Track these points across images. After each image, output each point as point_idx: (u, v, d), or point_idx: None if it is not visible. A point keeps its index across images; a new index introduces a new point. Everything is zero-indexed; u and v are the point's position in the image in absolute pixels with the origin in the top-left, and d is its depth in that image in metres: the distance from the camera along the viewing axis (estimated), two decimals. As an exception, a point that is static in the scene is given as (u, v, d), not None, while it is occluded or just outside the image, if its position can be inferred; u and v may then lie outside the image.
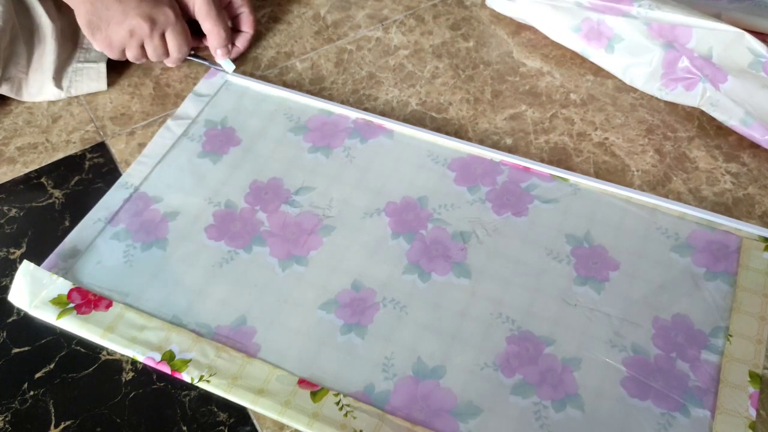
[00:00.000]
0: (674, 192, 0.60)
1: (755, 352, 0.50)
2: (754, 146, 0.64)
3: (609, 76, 0.70)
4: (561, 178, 0.60)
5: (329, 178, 0.61)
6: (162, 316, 0.53)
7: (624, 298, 0.53)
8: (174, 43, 0.68)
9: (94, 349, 0.52)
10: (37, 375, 0.51)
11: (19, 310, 0.54)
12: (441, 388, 0.49)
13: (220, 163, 0.63)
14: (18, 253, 0.58)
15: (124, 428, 0.48)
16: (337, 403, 0.48)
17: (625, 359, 0.50)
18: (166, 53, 0.69)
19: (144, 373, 0.51)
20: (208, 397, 0.49)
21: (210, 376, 0.49)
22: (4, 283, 0.56)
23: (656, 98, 0.68)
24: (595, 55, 0.69)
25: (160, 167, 0.63)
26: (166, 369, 0.50)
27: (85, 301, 0.53)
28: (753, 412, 0.47)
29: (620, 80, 0.69)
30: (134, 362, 0.52)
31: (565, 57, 0.72)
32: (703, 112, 0.65)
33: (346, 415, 0.48)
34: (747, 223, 0.56)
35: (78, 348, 0.52)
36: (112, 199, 0.60)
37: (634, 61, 0.66)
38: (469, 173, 0.61)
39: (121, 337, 0.51)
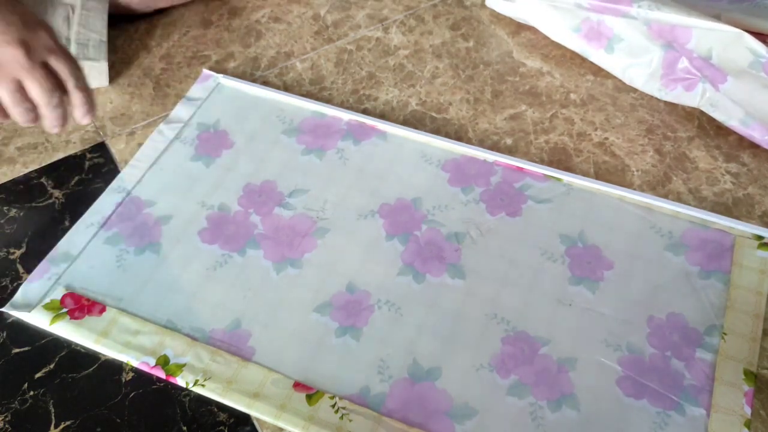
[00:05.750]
0: (674, 192, 0.60)
1: (750, 350, 0.50)
2: (754, 146, 0.64)
3: (609, 76, 0.70)
4: (554, 177, 0.60)
5: (323, 180, 0.61)
6: (156, 320, 0.53)
7: (619, 298, 0.53)
8: (65, 68, 0.53)
9: (93, 350, 0.52)
10: (37, 375, 0.51)
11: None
12: (437, 390, 0.49)
13: (213, 166, 0.63)
14: (18, 253, 0.58)
15: (124, 428, 0.48)
16: (333, 406, 0.48)
17: (621, 358, 0.50)
18: (57, 85, 0.53)
19: (144, 373, 0.50)
20: (207, 397, 0.49)
21: (205, 380, 0.49)
22: (3, 283, 0.56)
23: (656, 98, 0.68)
24: (595, 55, 0.69)
25: (152, 171, 0.62)
26: (160, 374, 0.50)
27: (78, 306, 0.53)
28: (748, 410, 0.47)
29: (620, 80, 0.69)
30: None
31: (565, 57, 0.72)
32: (703, 112, 0.65)
33: (342, 417, 0.47)
34: (740, 221, 0.56)
35: (78, 348, 0.52)
36: (105, 203, 0.60)
37: (634, 61, 0.66)
38: (462, 174, 0.61)
39: (114, 342, 0.51)
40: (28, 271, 0.56)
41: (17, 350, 0.52)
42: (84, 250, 0.57)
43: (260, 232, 0.58)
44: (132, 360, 0.50)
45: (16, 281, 0.56)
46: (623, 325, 0.51)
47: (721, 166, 0.63)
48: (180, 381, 0.49)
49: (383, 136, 0.64)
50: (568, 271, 0.55)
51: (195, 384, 0.49)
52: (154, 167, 0.63)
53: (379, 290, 0.54)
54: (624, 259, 0.55)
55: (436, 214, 0.58)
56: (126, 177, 0.62)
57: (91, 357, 0.52)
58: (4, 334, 0.53)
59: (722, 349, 0.50)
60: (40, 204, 0.62)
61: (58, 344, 0.52)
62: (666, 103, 0.67)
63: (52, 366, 0.52)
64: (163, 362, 0.50)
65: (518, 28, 0.74)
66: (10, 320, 0.54)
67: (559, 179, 0.60)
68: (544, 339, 0.51)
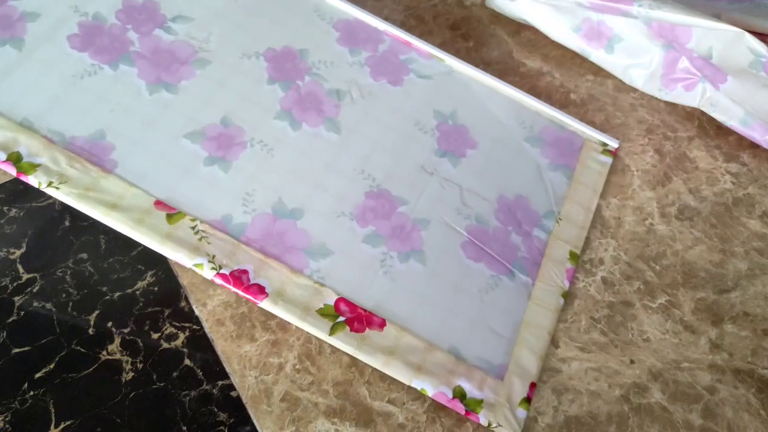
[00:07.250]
0: (674, 191, 0.61)
1: (577, 236, 0.56)
2: (754, 146, 0.64)
3: (609, 76, 0.69)
4: (438, 57, 0.62)
5: (210, 12, 0.59)
6: (11, 116, 0.49)
7: (476, 174, 0.57)
8: None
9: (94, 349, 0.49)
10: (37, 375, 0.49)
11: (19, 311, 0.51)
12: (297, 229, 0.51)
13: (91, -27, 0.58)
14: (18, 253, 0.54)
15: (124, 428, 0.47)
16: (193, 228, 0.48)
17: (468, 226, 0.54)
18: None
19: (144, 373, 0.49)
20: (208, 397, 0.49)
21: (60, 183, 0.47)
22: (3, 283, 0.51)
23: (656, 98, 0.67)
24: (595, 55, 0.67)
25: (20, -37, 0.57)
26: (11, 170, 0.47)
27: None
28: (567, 284, 0.53)
29: (620, 80, 0.68)
30: (134, 362, 0.50)
31: (565, 57, 0.70)
32: (703, 112, 0.65)
33: (201, 239, 0.48)
34: (590, 127, 0.62)
35: (78, 348, 0.50)
36: (-39, -16, 0.54)
37: (634, 61, 0.65)
38: (352, 36, 0.61)
39: (-40, 131, 0.48)
40: (29, 271, 0.52)
41: (17, 350, 0.49)
42: (-70, 30, 0.51)
43: (136, 50, 0.55)
44: (-21, 152, 0.47)
45: (17, 281, 0.52)
46: (475, 199, 0.56)
47: (721, 166, 0.63)
48: (32, 180, 0.47)
49: (279, -18, 0.63)
50: (436, 144, 0.58)
51: (49, 185, 0.47)
52: (22, -41, 0.57)
53: (254, 129, 0.54)
54: (487, 141, 0.59)
55: (320, 68, 0.59)
56: (-12, -38, 0.56)
57: (91, 357, 0.50)
58: (4, 334, 0.50)
59: (555, 232, 0.56)
60: (40, 204, 0.59)
61: (58, 344, 0.50)
62: (666, 103, 0.67)
63: (52, 366, 0.49)
64: (16, 159, 0.48)
65: (518, 28, 0.72)
66: (10, 320, 0.51)
67: (442, 60, 0.62)
68: (404, 199, 0.54)
